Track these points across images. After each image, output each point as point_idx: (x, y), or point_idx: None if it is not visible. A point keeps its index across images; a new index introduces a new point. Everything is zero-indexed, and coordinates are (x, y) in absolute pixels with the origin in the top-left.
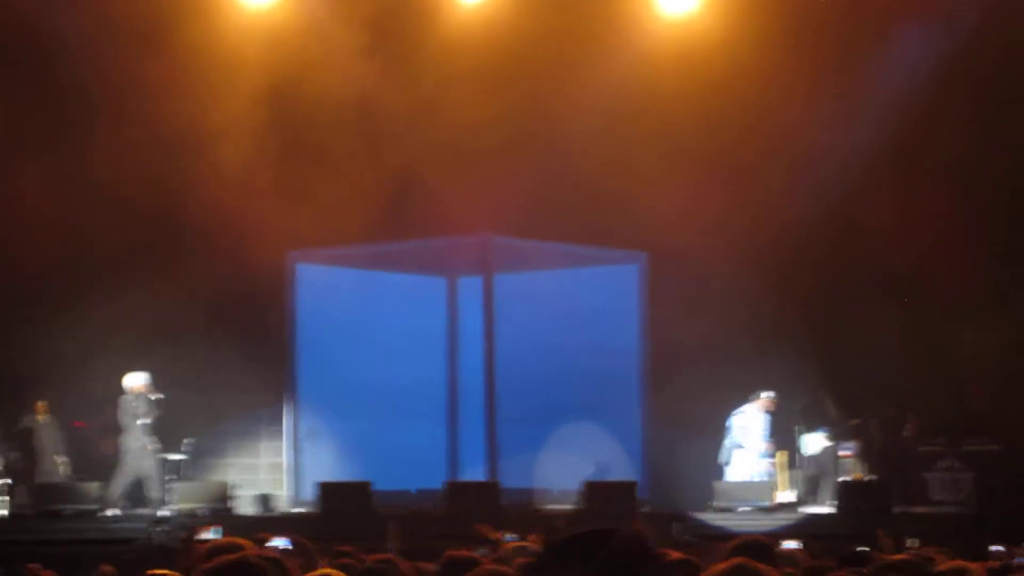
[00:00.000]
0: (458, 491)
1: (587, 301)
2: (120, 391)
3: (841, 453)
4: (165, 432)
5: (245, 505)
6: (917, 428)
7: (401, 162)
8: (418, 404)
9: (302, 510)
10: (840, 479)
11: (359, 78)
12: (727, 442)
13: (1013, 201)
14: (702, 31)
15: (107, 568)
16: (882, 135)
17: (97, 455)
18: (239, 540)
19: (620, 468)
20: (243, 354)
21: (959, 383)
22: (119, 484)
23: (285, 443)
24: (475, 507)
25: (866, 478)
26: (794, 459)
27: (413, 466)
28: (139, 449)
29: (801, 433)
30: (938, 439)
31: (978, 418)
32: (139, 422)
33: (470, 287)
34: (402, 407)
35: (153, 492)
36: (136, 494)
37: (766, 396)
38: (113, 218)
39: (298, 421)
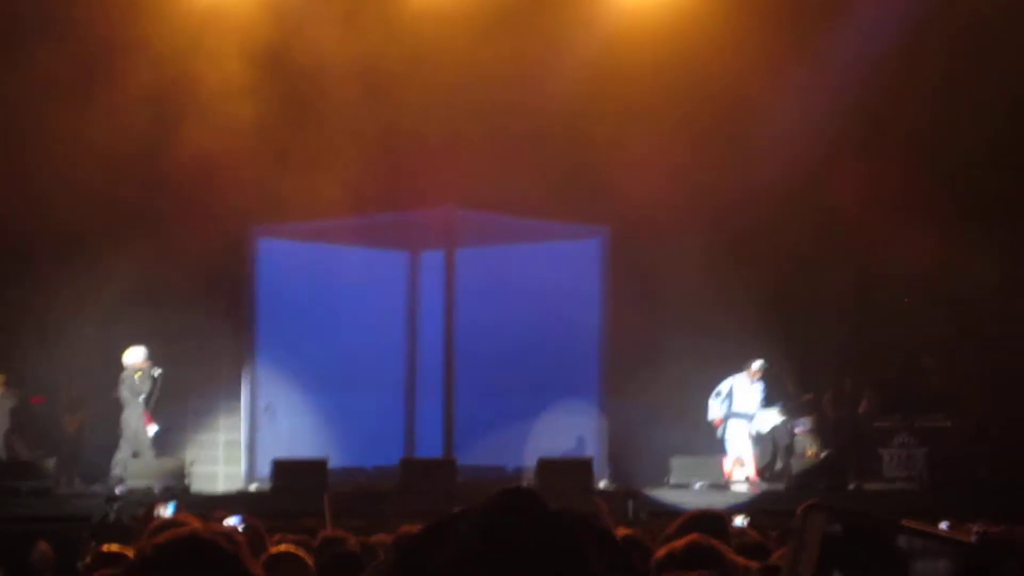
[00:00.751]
0: (413, 468)
1: (548, 276)
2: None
3: (796, 430)
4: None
5: (202, 482)
6: (872, 403)
7: (364, 135)
8: (378, 379)
9: (257, 487)
10: (795, 456)
11: (326, 51)
12: (720, 405)
13: (974, 176)
14: (668, 4)
15: (44, 545)
16: (846, 107)
17: (60, 431)
18: (191, 517)
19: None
20: (205, 328)
21: (914, 357)
22: (119, 460)
23: (243, 419)
24: (430, 484)
25: (820, 454)
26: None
27: (371, 442)
28: (139, 425)
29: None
30: (892, 415)
31: (931, 393)
32: (139, 397)
33: (432, 261)
34: (362, 382)
35: (119, 466)
36: (95, 471)
37: (757, 365)
38: (75, 189)
39: (256, 396)
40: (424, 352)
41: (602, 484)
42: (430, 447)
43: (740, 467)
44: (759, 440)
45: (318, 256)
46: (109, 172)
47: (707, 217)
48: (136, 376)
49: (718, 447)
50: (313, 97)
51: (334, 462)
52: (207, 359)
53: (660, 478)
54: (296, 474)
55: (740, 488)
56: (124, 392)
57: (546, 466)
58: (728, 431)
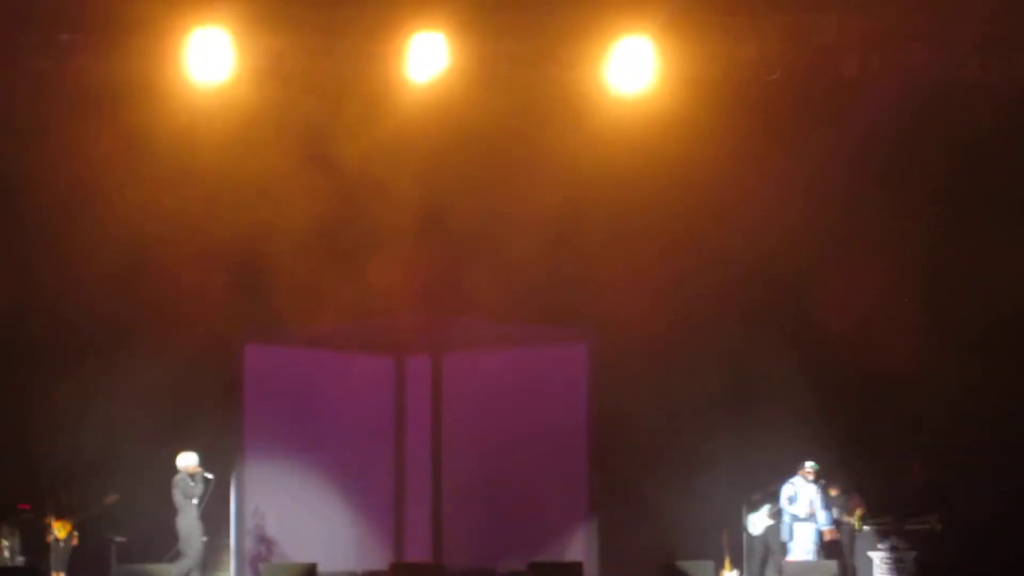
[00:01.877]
0: (403, 573)
1: (535, 380)
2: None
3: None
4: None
5: None
6: (861, 506)
7: (349, 241)
8: (366, 483)
9: None
10: (786, 558)
11: (310, 157)
12: (785, 518)
13: (953, 273)
14: (653, 110)
15: None
16: (826, 211)
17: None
18: None
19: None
20: (195, 434)
21: (903, 459)
22: (185, 567)
23: (232, 523)
24: None
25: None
26: (741, 538)
27: (361, 546)
28: (192, 529)
29: (747, 512)
30: (882, 518)
31: (920, 495)
32: (193, 501)
33: (418, 367)
34: (351, 486)
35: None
36: None
37: (808, 466)
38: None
39: (245, 501)
40: (412, 455)
41: None
42: (420, 551)
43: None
44: (747, 541)
45: (306, 362)
46: (98, 285)
47: (695, 318)
48: (190, 480)
49: (709, 551)
50: (302, 205)
51: (324, 566)
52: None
53: None
54: None
55: None
56: (178, 496)
57: (537, 570)
58: (793, 535)
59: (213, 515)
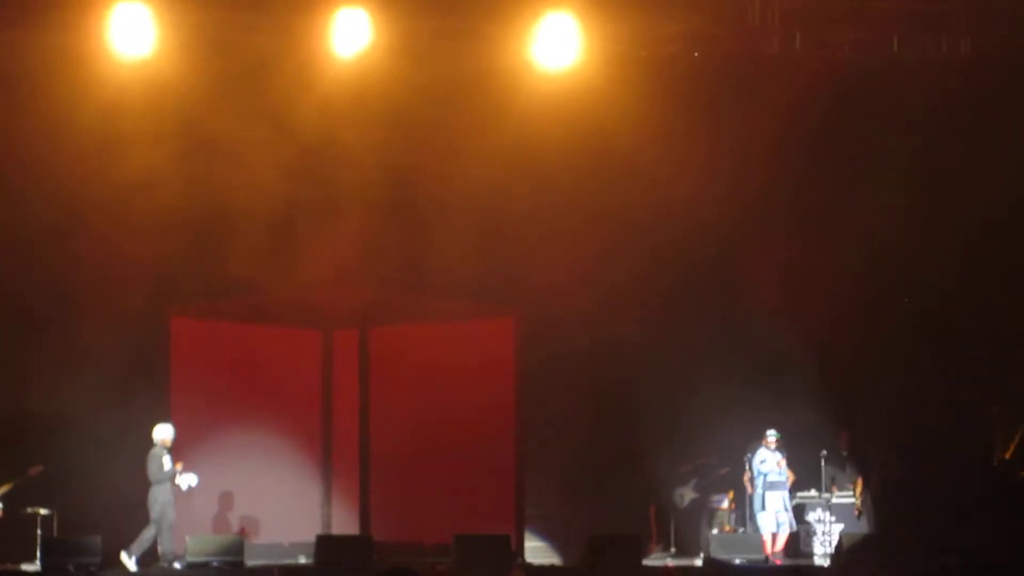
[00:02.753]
0: (329, 545)
1: (462, 354)
2: None
3: (715, 505)
4: (37, 487)
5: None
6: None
7: (278, 214)
8: (294, 456)
9: (176, 566)
10: (713, 531)
11: (236, 131)
12: (757, 488)
13: (881, 250)
14: (577, 86)
15: None
16: (750, 186)
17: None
18: None
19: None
20: (120, 408)
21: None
22: (164, 538)
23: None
24: (347, 561)
25: (739, 530)
26: (668, 514)
27: (287, 518)
28: (166, 501)
29: (676, 485)
30: (808, 491)
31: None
32: (166, 471)
33: (345, 340)
34: (278, 460)
35: (165, 544)
36: None
37: (770, 435)
38: None
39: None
40: (339, 429)
41: (518, 560)
42: (347, 524)
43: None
44: (676, 513)
45: (233, 335)
46: (29, 252)
47: (622, 293)
48: (166, 453)
49: (637, 525)
50: (224, 178)
51: (251, 538)
52: (123, 437)
53: (578, 555)
54: (212, 552)
55: (655, 563)
56: (153, 469)
57: (463, 542)
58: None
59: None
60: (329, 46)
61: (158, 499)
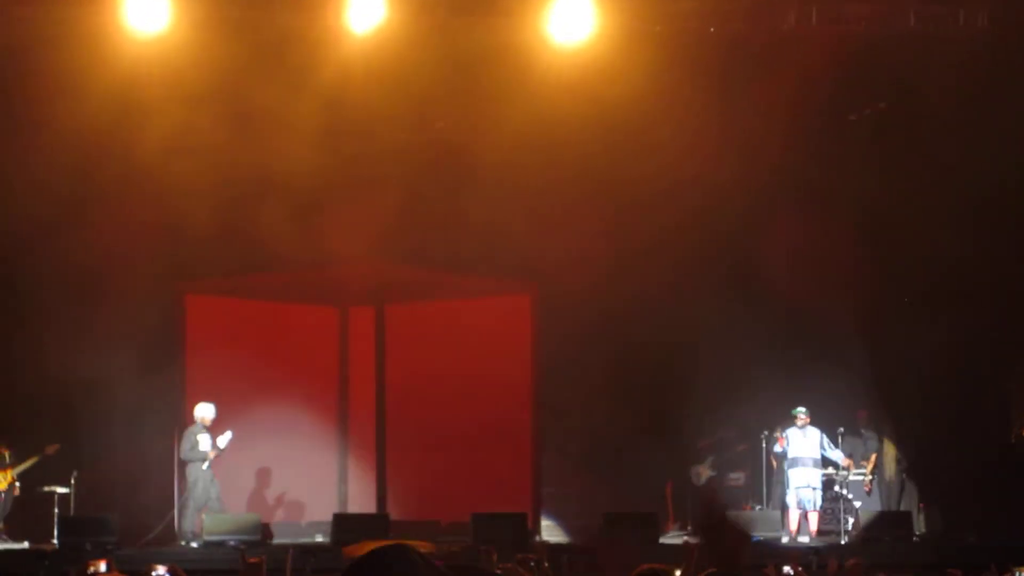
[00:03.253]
0: (346, 523)
1: (478, 331)
2: None
3: (731, 482)
4: (54, 466)
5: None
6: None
7: (293, 191)
8: (310, 435)
9: (193, 544)
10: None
11: (252, 106)
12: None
13: (897, 230)
14: (593, 61)
15: None
16: (769, 165)
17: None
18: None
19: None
20: (136, 386)
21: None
22: (185, 516)
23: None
24: (362, 539)
25: (756, 507)
26: (685, 492)
27: (305, 497)
28: (208, 480)
29: (693, 462)
30: (826, 468)
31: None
32: (198, 451)
33: (361, 317)
34: (294, 438)
35: (186, 522)
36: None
37: (797, 412)
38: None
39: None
40: (356, 406)
41: (536, 538)
42: (364, 502)
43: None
44: (693, 491)
45: (249, 312)
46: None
47: (637, 272)
48: (202, 432)
49: (651, 503)
50: (240, 153)
51: (268, 517)
52: (140, 415)
53: (595, 531)
54: (230, 529)
55: (672, 540)
56: (185, 448)
57: (480, 521)
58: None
59: (156, 469)
60: (345, 21)
61: (190, 477)
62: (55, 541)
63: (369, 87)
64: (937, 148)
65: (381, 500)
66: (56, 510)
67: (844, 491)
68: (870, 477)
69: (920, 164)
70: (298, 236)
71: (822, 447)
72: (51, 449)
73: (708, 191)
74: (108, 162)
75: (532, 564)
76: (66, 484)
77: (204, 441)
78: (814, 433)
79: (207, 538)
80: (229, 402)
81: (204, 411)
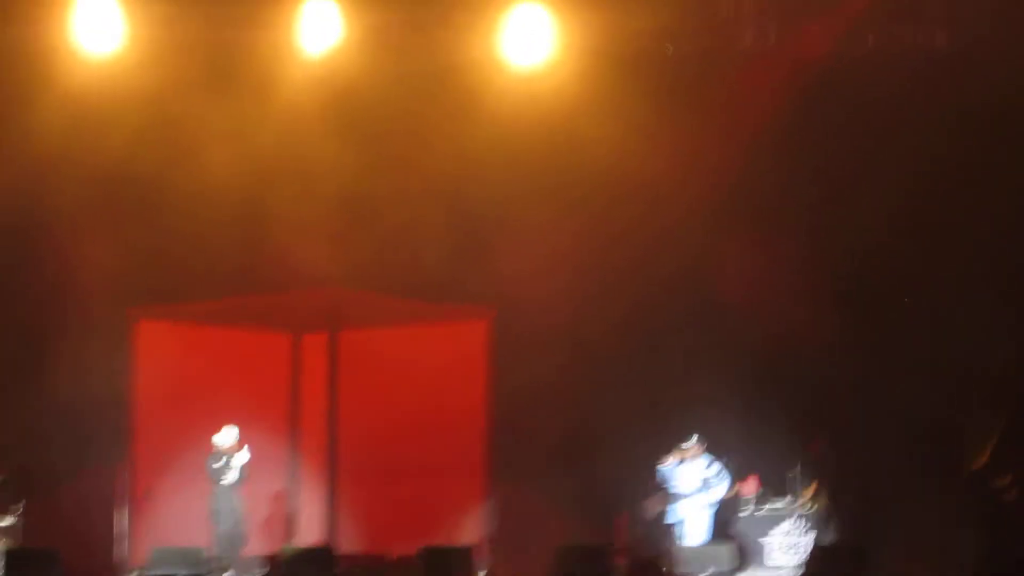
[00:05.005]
0: (293, 555)
1: (434, 358)
2: None
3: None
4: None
5: None
6: (759, 487)
7: (244, 215)
8: (259, 463)
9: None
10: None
11: (204, 129)
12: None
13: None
14: (550, 80)
15: None
16: (728, 185)
17: None
18: None
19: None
20: (81, 413)
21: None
22: (221, 546)
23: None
24: (308, 573)
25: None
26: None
27: (251, 529)
28: (230, 509)
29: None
30: (778, 500)
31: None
32: (222, 482)
33: (314, 344)
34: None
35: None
36: None
37: (686, 445)
38: None
39: (133, 483)
40: (307, 435)
41: (481, 573)
42: (312, 534)
43: None
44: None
45: (199, 338)
46: None
47: (597, 293)
48: (220, 458)
49: (608, 535)
50: (192, 177)
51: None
52: (85, 443)
53: (547, 566)
54: (176, 563)
55: None
56: (211, 472)
57: (429, 555)
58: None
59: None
60: (298, 39)
61: (210, 505)
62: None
63: (323, 108)
64: (899, 166)
65: (331, 532)
66: (1, 542)
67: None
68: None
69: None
70: (250, 261)
71: (705, 480)
72: None
73: (667, 212)
74: (58, 184)
75: None
76: (12, 515)
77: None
78: (698, 465)
79: (151, 572)
80: (177, 430)
81: (217, 437)
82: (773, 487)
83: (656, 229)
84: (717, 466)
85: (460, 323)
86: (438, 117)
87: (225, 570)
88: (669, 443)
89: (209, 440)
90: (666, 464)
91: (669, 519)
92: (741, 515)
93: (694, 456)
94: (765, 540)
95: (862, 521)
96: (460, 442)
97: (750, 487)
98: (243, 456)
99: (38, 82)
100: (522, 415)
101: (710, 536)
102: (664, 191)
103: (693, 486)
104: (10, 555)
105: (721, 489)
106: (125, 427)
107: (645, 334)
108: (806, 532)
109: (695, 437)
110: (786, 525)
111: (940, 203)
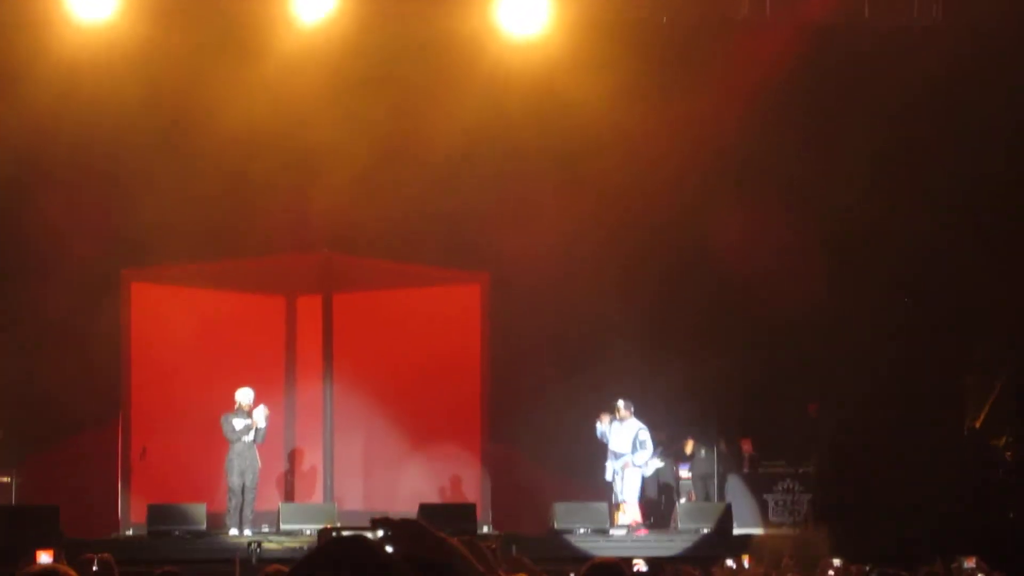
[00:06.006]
0: (292, 512)
1: (428, 320)
2: None
3: (681, 475)
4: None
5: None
6: (753, 448)
7: (241, 178)
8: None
9: (129, 533)
10: (681, 500)
11: (199, 94)
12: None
13: (848, 217)
14: (546, 50)
15: None
16: (723, 150)
17: None
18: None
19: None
20: (75, 373)
21: (799, 402)
22: (232, 503)
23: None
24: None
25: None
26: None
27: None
28: (230, 465)
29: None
30: (778, 460)
31: (815, 437)
32: (244, 439)
33: (309, 306)
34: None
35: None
36: None
37: (617, 405)
38: None
39: (129, 442)
40: (303, 396)
41: (485, 529)
42: (310, 492)
43: (622, 512)
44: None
45: (193, 300)
46: None
47: (591, 257)
48: (239, 416)
49: (600, 492)
50: (187, 141)
51: (212, 507)
52: (81, 403)
53: (543, 523)
54: (173, 520)
55: (621, 533)
56: (225, 430)
57: (428, 512)
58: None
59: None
60: (292, 8)
61: (235, 464)
62: None
63: (318, 75)
64: (893, 139)
65: (328, 490)
66: None
67: (796, 483)
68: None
69: (877, 154)
70: (245, 223)
71: (633, 445)
72: None
73: (661, 180)
74: (53, 149)
75: (494, 548)
76: (7, 474)
77: (238, 423)
78: (631, 427)
79: (150, 528)
80: (173, 392)
81: (240, 396)
82: (770, 448)
83: (649, 195)
84: (645, 432)
85: (455, 285)
86: (434, 84)
87: (238, 527)
88: (665, 402)
89: (206, 400)
90: (601, 422)
91: (607, 476)
92: (741, 474)
93: (623, 418)
94: (764, 498)
95: (859, 481)
96: (456, 401)
97: (746, 448)
98: (262, 414)
99: (32, 49)
100: (518, 374)
101: (639, 495)
102: (658, 158)
103: (624, 446)
104: (8, 512)
105: (645, 454)
106: (121, 387)
107: (638, 298)
108: (803, 492)
109: (621, 401)
110: (783, 485)
111: (935, 172)
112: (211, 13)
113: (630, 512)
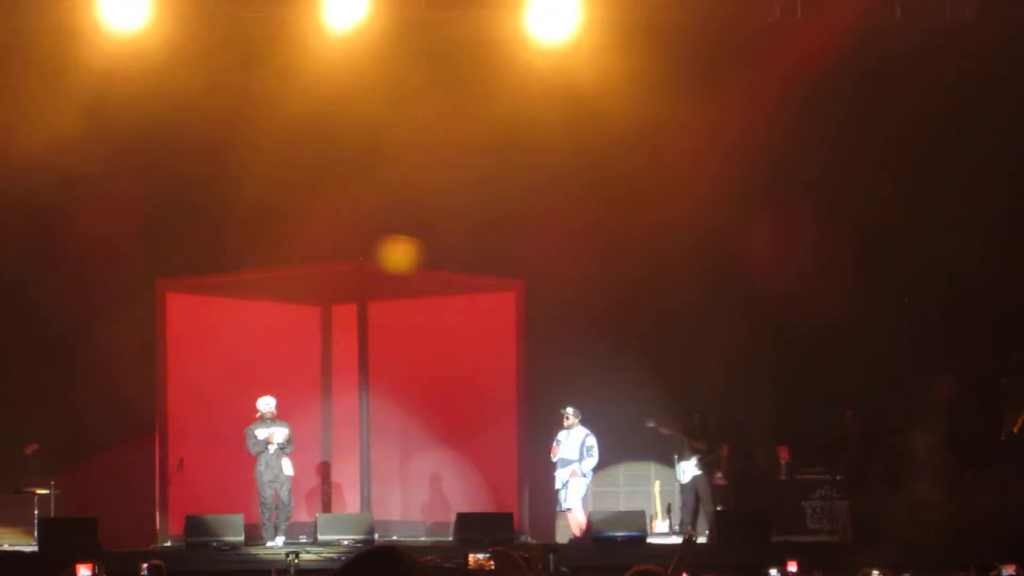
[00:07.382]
0: (330, 523)
1: (463, 329)
2: None
3: (717, 481)
4: (34, 467)
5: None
6: (789, 456)
7: (276, 187)
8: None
9: (167, 544)
10: (718, 508)
11: (231, 103)
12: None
13: (878, 228)
14: (576, 54)
15: None
16: (754, 154)
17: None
18: None
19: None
20: (112, 384)
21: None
22: (265, 515)
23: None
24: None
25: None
26: (673, 486)
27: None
28: (259, 476)
29: (678, 461)
30: (815, 468)
31: (852, 445)
32: (270, 449)
33: (344, 315)
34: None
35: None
36: None
37: (564, 412)
38: None
39: (166, 453)
40: (339, 406)
41: (523, 539)
42: (348, 502)
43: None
44: (680, 490)
45: (229, 311)
46: (22, 229)
47: (621, 269)
48: (260, 427)
49: (639, 500)
50: (221, 150)
51: (250, 518)
52: (118, 414)
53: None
54: (211, 531)
55: (662, 540)
56: (248, 443)
57: (465, 521)
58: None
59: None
60: (323, 16)
61: (263, 475)
62: (35, 543)
63: (348, 84)
64: (926, 142)
65: (365, 500)
66: (36, 511)
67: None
68: None
69: (910, 157)
70: (281, 233)
71: (580, 452)
72: (30, 449)
73: (693, 185)
74: (86, 158)
75: (526, 558)
76: (46, 485)
77: (262, 433)
78: (578, 434)
79: (188, 539)
80: (209, 403)
81: (262, 404)
82: (805, 456)
83: (681, 200)
84: (592, 439)
85: (490, 293)
86: (465, 92)
87: (273, 538)
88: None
89: (242, 411)
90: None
91: (556, 484)
92: (778, 481)
93: (571, 426)
94: (802, 505)
95: (893, 488)
96: (493, 410)
97: (784, 455)
98: (283, 435)
99: (67, 57)
100: (554, 382)
101: (583, 502)
102: (690, 163)
103: (572, 453)
104: (47, 524)
105: (592, 462)
106: (157, 398)
107: (671, 302)
108: (841, 498)
109: (570, 408)
110: (820, 491)
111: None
112: (244, 21)
113: (574, 520)
